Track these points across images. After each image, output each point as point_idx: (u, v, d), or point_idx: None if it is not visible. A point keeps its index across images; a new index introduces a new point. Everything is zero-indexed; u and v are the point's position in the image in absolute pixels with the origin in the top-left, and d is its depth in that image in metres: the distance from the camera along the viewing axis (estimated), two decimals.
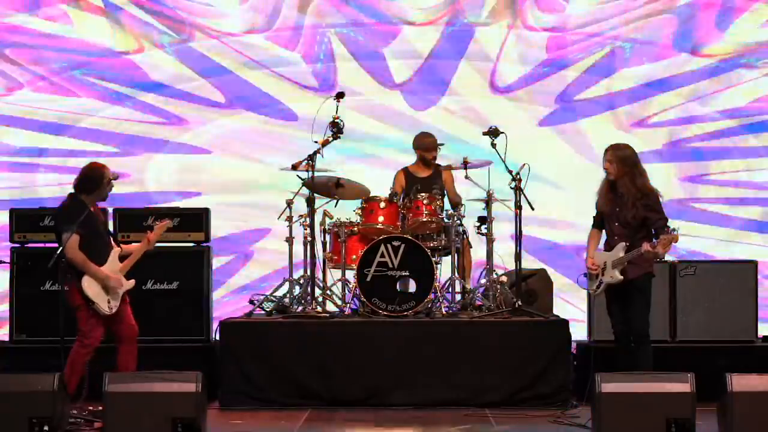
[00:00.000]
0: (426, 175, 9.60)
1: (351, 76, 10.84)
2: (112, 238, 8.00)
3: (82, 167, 7.93)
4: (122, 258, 7.92)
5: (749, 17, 10.77)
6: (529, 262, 9.74)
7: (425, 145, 9.61)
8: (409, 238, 8.83)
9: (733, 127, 10.82)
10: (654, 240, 7.60)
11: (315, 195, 9.01)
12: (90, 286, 7.67)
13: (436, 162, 9.63)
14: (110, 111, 10.87)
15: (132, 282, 7.91)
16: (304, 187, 9.01)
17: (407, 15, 10.91)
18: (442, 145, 9.63)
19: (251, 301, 9.19)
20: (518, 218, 8.82)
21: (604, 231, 7.96)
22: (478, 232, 9.21)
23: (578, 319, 9.37)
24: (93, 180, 7.80)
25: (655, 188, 7.81)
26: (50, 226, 9.06)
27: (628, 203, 7.71)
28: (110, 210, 9.23)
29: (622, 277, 7.68)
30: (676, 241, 7.54)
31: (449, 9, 10.86)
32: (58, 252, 7.54)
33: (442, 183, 9.52)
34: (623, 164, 7.75)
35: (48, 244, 8.99)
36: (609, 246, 7.83)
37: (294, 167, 8.91)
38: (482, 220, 9.16)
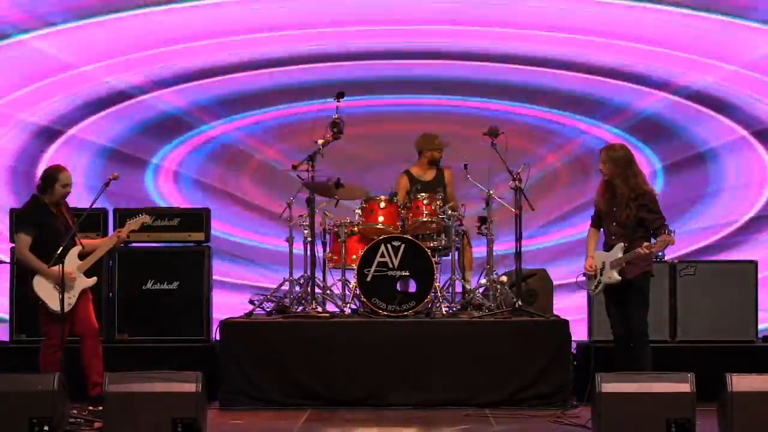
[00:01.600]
0: (429, 178, 9.59)
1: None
2: (77, 237, 7.98)
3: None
4: (85, 256, 7.96)
5: None
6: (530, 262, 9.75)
7: (433, 145, 9.60)
8: (409, 238, 8.83)
9: None
10: (653, 240, 7.62)
11: (315, 195, 9.01)
12: (39, 286, 7.75)
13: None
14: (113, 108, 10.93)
15: (92, 280, 7.94)
16: (303, 187, 9.02)
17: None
18: (448, 144, 9.64)
19: (251, 301, 9.19)
20: (518, 218, 8.82)
21: (602, 231, 7.96)
22: (479, 232, 9.21)
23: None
24: (45, 181, 7.92)
25: (651, 188, 7.80)
26: None
27: (622, 204, 7.72)
28: (110, 209, 9.23)
29: (620, 278, 7.68)
30: (672, 243, 7.56)
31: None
32: (58, 251, 7.56)
33: (445, 185, 9.52)
34: (615, 165, 7.76)
35: None
36: (608, 246, 7.83)
37: (294, 167, 8.92)
38: (482, 220, 9.16)
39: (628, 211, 7.69)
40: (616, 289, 7.76)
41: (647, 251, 7.56)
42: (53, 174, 7.93)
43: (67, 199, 8.03)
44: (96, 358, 7.86)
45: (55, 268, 7.71)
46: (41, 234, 7.80)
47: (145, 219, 8.27)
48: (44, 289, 7.77)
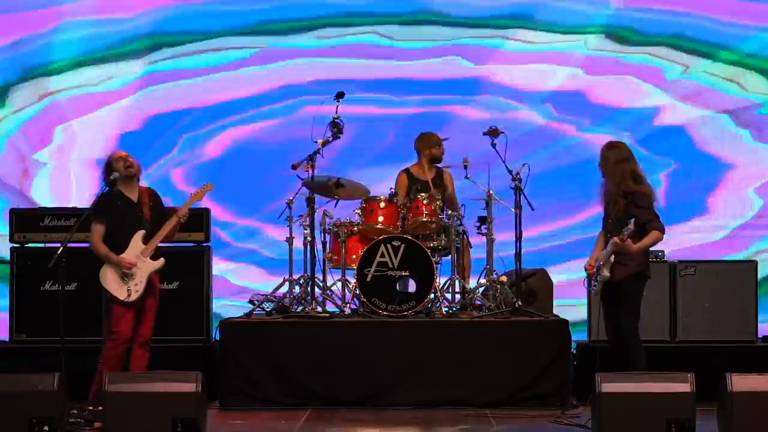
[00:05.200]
0: (428, 178, 9.58)
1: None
2: (144, 221, 7.86)
3: None
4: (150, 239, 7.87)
5: None
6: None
7: (432, 141, 9.59)
8: (409, 238, 8.83)
9: None
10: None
11: (315, 195, 9.02)
12: (105, 277, 7.71)
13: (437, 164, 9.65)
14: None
15: (159, 262, 7.81)
16: (304, 187, 9.02)
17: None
18: (446, 139, 9.64)
19: (251, 301, 9.19)
20: (518, 218, 8.83)
21: None
22: (479, 232, 9.21)
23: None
24: (104, 170, 7.86)
25: (642, 187, 7.69)
26: (50, 226, 9.12)
27: (612, 201, 7.71)
28: None
29: (608, 275, 7.64)
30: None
31: None
32: (59, 251, 7.56)
33: (444, 186, 9.52)
34: (607, 163, 7.74)
35: (48, 244, 9.03)
36: (606, 244, 7.81)
37: (294, 167, 8.91)
38: (482, 220, 9.16)
39: (618, 208, 7.67)
40: (607, 290, 7.74)
41: (620, 243, 7.50)
42: (108, 161, 7.84)
43: (145, 185, 7.99)
44: (138, 368, 7.74)
45: (125, 255, 7.69)
46: (110, 223, 7.73)
47: (210, 187, 8.06)
48: (111, 280, 7.71)
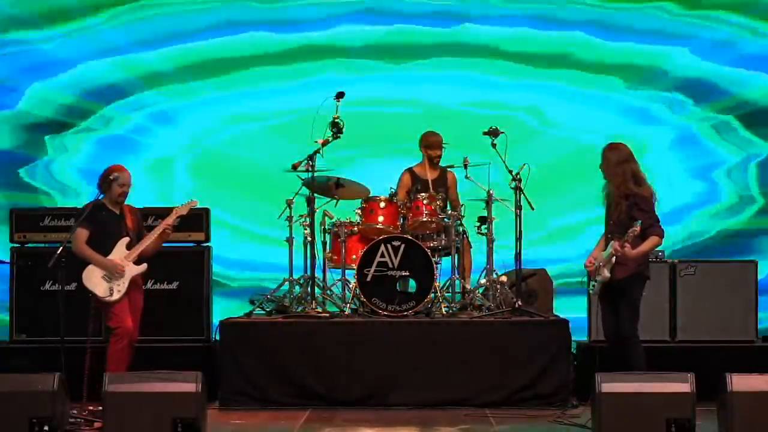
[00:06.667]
0: (431, 178, 9.58)
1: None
2: (128, 230, 8.05)
3: None
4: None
5: None
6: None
7: (430, 143, 9.60)
8: (409, 238, 8.83)
9: None
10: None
11: (315, 195, 9.01)
12: (87, 277, 7.85)
13: (440, 164, 9.64)
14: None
15: (142, 267, 7.98)
16: (304, 187, 9.02)
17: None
18: (446, 144, 9.64)
19: (251, 301, 9.19)
20: (518, 218, 8.83)
21: None
22: (479, 232, 9.21)
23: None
24: (103, 180, 8.02)
25: (642, 190, 7.70)
26: (50, 226, 9.13)
27: (613, 202, 7.71)
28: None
29: (608, 275, 7.64)
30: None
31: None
32: (59, 251, 7.57)
33: (447, 187, 9.52)
34: (608, 164, 7.74)
35: (48, 244, 9.02)
36: (606, 245, 7.81)
37: (294, 167, 8.91)
38: (482, 220, 9.16)
39: (619, 210, 7.67)
40: (606, 290, 7.74)
41: (619, 248, 7.51)
42: (111, 174, 8.01)
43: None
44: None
45: (111, 258, 7.85)
46: (94, 230, 7.89)
47: (194, 203, 8.28)
48: (92, 279, 7.85)
